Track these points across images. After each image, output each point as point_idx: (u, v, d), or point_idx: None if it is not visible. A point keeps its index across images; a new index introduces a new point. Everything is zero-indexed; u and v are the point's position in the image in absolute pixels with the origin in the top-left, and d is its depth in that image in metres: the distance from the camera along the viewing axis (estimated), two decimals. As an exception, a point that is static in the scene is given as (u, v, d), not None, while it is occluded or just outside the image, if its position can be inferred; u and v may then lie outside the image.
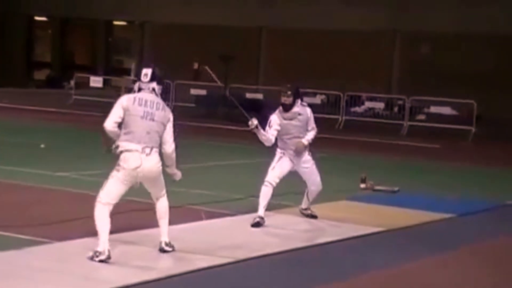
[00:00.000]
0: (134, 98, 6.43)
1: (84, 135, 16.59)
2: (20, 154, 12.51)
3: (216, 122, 20.57)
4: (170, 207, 6.70)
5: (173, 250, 6.61)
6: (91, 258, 6.15)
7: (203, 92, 23.69)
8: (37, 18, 35.80)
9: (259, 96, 22.75)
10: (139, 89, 6.52)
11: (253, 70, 28.34)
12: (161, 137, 6.44)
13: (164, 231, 6.62)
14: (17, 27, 33.77)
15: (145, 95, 6.45)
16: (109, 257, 6.13)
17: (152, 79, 6.48)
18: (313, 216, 8.47)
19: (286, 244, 7.29)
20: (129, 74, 29.77)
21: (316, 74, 25.22)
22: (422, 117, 21.70)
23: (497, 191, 11.35)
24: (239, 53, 26.91)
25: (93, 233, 6.86)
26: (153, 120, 6.38)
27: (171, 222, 6.72)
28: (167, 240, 6.61)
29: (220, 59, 25.49)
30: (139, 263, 6.29)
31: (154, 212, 6.71)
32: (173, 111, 6.76)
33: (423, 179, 12.53)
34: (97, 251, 6.15)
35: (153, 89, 6.49)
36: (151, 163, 6.34)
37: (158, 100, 6.50)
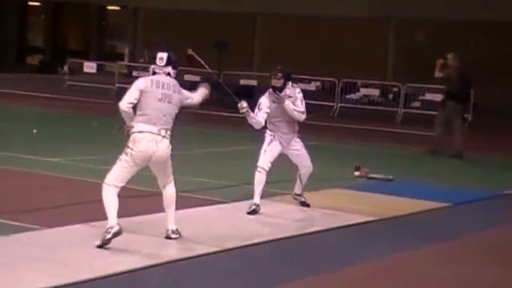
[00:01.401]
0: (152, 80, 6.44)
1: (77, 121, 16.50)
2: (12, 140, 12.39)
3: (209, 109, 20.45)
4: (176, 194, 6.62)
5: (180, 236, 6.57)
6: (104, 239, 6.04)
7: (197, 78, 23.56)
8: (30, 3, 35.53)
9: (253, 82, 22.63)
10: (154, 73, 6.52)
11: (248, 56, 28.19)
12: (174, 119, 6.47)
13: (171, 219, 6.60)
14: (10, 12, 33.50)
15: (162, 78, 6.47)
16: (120, 230, 6.06)
17: (167, 64, 6.51)
18: (306, 205, 8.38)
19: (279, 233, 7.21)
20: (122, 59, 29.63)
21: (311, 60, 25.08)
22: (417, 104, 21.59)
23: (494, 180, 11.28)
24: (233, 39, 26.73)
25: (84, 219, 6.81)
26: (170, 102, 6.41)
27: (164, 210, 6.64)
28: (174, 228, 6.59)
29: (214, 45, 25.33)
30: (135, 250, 6.18)
31: (155, 197, 6.58)
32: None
33: (418, 167, 12.46)
34: (108, 227, 6.10)
35: (168, 74, 6.52)
36: (161, 147, 6.34)
37: (175, 82, 6.53)
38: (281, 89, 7.97)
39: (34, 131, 13.36)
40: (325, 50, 26.25)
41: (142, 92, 6.37)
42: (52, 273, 5.53)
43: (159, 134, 6.32)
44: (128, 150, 6.30)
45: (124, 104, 6.38)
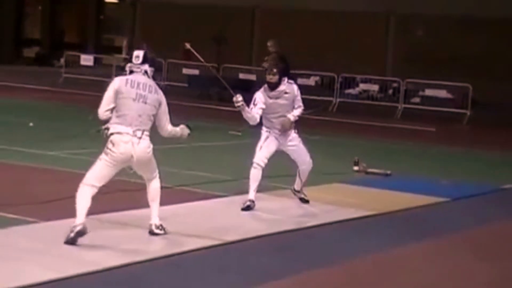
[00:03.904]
0: (127, 80, 6.36)
1: (74, 114, 16.41)
2: (8, 132, 12.35)
3: (209, 103, 20.41)
4: (160, 188, 6.57)
5: (164, 232, 6.50)
6: (68, 237, 5.95)
7: (195, 72, 23.48)
8: (27, -5, 35.42)
9: (252, 77, 22.53)
10: (131, 71, 6.42)
11: (247, 50, 28.10)
12: (152, 120, 6.37)
13: (155, 214, 6.52)
14: (6, 4, 33.36)
15: (138, 77, 6.38)
16: (85, 228, 5.95)
17: (144, 61, 6.41)
18: (305, 201, 8.29)
19: (276, 227, 7.17)
20: (120, 53, 29.53)
21: (310, 55, 25.02)
22: (416, 100, 21.54)
23: (492, 175, 11.24)
24: (232, 33, 26.66)
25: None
26: (145, 102, 6.30)
27: (160, 203, 6.60)
28: (158, 223, 6.50)
29: (212, 39, 25.24)
30: (126, 245, 6.16)
31: (145, 191, 6.58)
32: (164, 91, 6.63)
33: (417, 162, 12.43)
34: (72, 226, 6.01)
35: (145, 72, 6.41)
36: (141, 148, 6.25)
37: (151, 82, 6.42)
38: (276, 85, 7.83)
39: (31, 124, 13.29)
40: (325, 45, 26.18)
41: (117, 92, 6.28)
42: (50, 266, 5.49)
43: (135, 136, 6.20)
44: (108, 151, 6.21)
45: (102, 112, 6.31)
